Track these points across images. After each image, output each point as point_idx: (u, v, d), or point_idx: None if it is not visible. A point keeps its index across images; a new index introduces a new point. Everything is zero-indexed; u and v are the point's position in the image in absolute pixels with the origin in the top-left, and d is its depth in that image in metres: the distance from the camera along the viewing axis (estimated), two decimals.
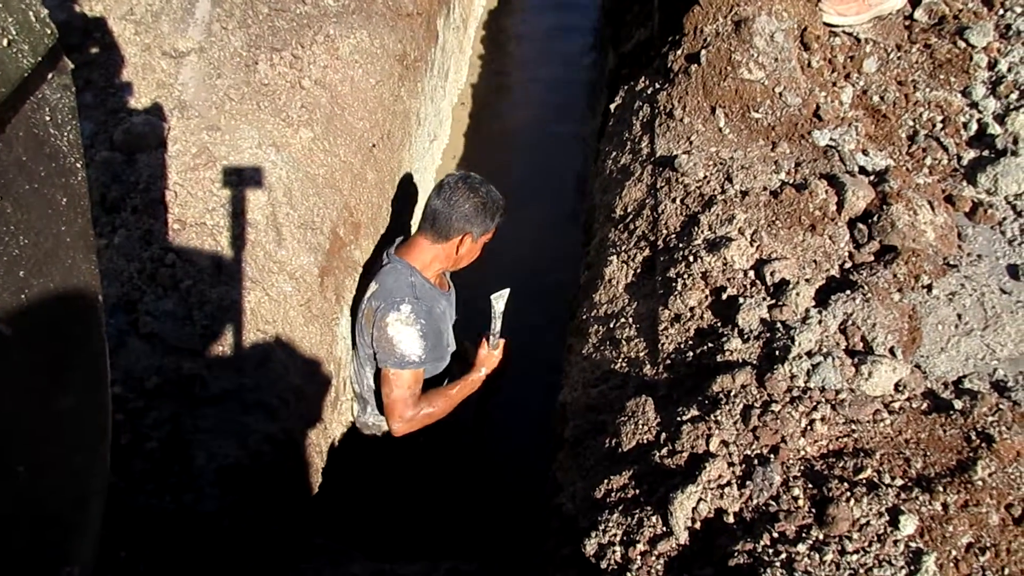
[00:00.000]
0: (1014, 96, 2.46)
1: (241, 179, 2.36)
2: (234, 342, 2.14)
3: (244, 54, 2.66)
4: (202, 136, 2.40)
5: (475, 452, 3.15)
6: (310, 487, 2.27)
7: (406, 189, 3.25)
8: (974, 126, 2.44)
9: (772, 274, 1.98)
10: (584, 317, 2.40)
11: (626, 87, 3.10)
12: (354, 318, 2.69)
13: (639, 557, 1.48)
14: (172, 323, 2.06)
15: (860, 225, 2.11)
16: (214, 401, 2.02)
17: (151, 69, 2.52)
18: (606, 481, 1.68)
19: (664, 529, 1.51)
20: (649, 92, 2.83)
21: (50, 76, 0.98)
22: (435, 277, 2.62)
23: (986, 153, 2.37)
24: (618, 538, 1.54)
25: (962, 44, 2.62)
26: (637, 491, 1.63)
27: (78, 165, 1.02)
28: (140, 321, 2.03)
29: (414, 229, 3.44)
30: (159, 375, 1.98)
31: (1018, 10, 2.65)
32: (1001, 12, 2.68)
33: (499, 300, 2.64)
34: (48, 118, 0.97)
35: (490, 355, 2.73)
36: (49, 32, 0.95)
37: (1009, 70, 2.52)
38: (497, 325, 2.69)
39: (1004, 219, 2.22)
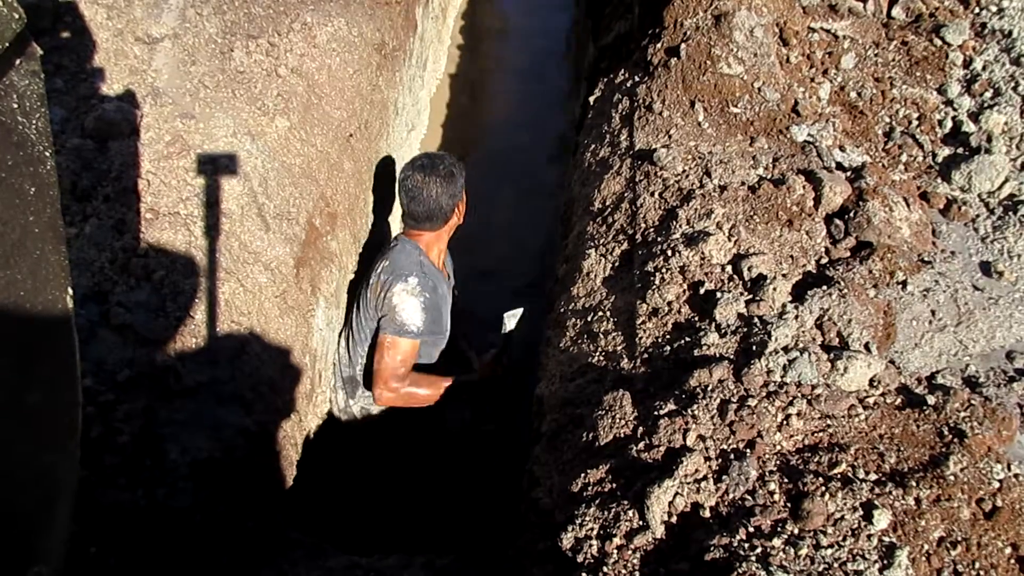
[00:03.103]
0: (988, 94, 2.48)
1: (216, 168, 2.32)
2: (208, 334, 2.11)
3: (219, 41, 2.62)
4: (176, 124, 2.36)
5: (454, 447, 3.14)
6: (285, 481, 2.25)
7: (384, 179, 3.23)
8: (949, 124, 2.47)
9: (749, 269, 1.99)
10: (562, 310, 2.39)
11: (605, 80, 3.09)
12: (351, 298, 2.83)
13: (615, 551, 1.49)
14: (145, 314, 2.02)
15: (837, 221, 2.12)
16: (187, 394, 1.99)
17: (124, 55, 2.47)
18: (583, 475, 1.68)
19: (641, 523, 1.51)
20: (628, 85, 2.82)
21: (18, 62, 0.95)
22: (439, 259, 2.78)
23: (960, 151, 2.40)
24: (595, 532, 1.54)
25: (938, 42, 2.65)
26: (614, 485, 1.63)
27: (47, 154, 1.00)
28: (112, 312, 2.00)
29: (393, 221, 3.42)
30: (131, 367, 1.94)
31: (993, 8, 2.67)
32: (977, 10, 2.71)
33: (511, 319, 2.75)
34: (16, 105, 0.94)
35: (490, 366, 2.84)
36: (17, 17, 0.92)
37: (984, 68, 2.54)
38: (504, 341, 2.79)
39: (977, 216, 2.25)
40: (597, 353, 2.09)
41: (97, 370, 1.91)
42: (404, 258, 2.62)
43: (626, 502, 1.56)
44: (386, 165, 3.26)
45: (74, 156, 2.22)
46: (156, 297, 2.07)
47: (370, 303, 2.63)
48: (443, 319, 2.72)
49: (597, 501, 1.60)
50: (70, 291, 1.06)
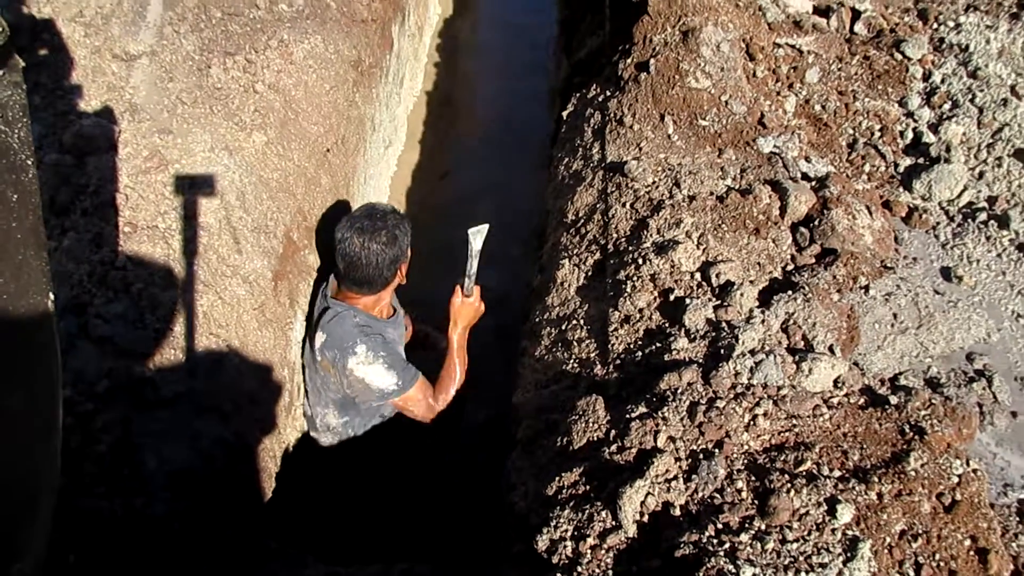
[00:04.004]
0: (947, 106, 2.57)
1: (193, 183, 2.35)
2: (186, 346, 2.12)
3: (197, 58, 2.65)
4: (154, 139, 2.38)
5: (430, 454, 3.15)
6: (263, 491, 2.26)
7: (360, 194, 3.26)
8: (910, 135, 2.55)
9: (718, 276, 2.04)
10: (537, 319, 2.43)
11: (578, 95, 3.15)
12: (306, 349, 2.66)
13: (589, 551, 1.52)
14: (123, 326, 2.04)
15: (802, 229, 2.19)
16: (166, 405, 2.00)
17: (101, 72, 2.49)
18: (557, 479, 1.72)
19: (613, 523, 1.55)
20: (600, 100, 2.89)
21: (0, 73, 0.98)
22: (384, 311, 2.62)
23: (921, 161, 2.48)
24: (569, 533, 1.58)
25: (899, 56, 2.73)
26: (587, 487, 1.66)
27: (29, 162, 1.03)
28: (90, 324, 2.01)
29: None
30: (109, 378, 1.96)
31: (951, 24, 2.77)
32: (935, 26, 2.80)
33: (477, 237, 2.47)
34: None
35: (464, 304, 2.60)
36: (0, 30, 0.95)
37: (942, 81, 2.63)
38: (473, 265, 2.52)
39: (938, 224, 2.32)
40: (571, 360, 2.13)
41: (76, 381, 1.92)
42: (339, 328, 2.44)
43: (599, 503, 1.59)
44: (363, 181, 3.28)
45: (52, 171, 2.24)
46: (134, 309, 2.08)
47: (327, 379, 2.51)
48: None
49: (571, 503, 1.64)
50: (52, 296, 1.09)
